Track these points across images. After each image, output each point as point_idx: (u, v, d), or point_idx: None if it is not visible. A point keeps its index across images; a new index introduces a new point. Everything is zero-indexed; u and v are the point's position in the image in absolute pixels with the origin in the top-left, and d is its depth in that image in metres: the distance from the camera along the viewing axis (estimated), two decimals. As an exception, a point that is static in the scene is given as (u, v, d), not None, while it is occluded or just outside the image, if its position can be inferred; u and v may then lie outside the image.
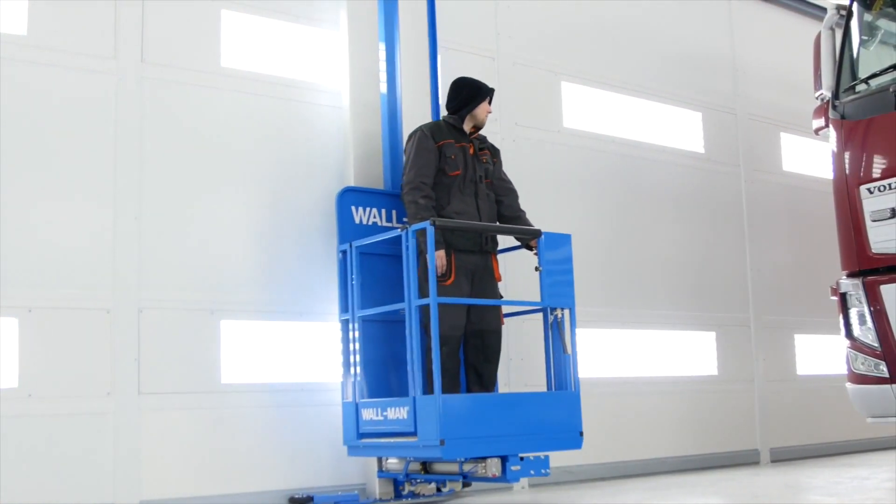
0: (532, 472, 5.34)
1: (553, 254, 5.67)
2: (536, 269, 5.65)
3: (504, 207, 6.05)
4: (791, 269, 9.34)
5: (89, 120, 5.60)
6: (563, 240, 5.76)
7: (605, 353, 7.66)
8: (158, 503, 5.48)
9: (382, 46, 6.54)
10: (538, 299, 5.67)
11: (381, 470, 5.99)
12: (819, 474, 7.41)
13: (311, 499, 5.80)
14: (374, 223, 6.14)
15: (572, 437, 5.54)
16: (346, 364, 5.82)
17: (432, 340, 5.23)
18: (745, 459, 8.50)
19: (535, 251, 5.75)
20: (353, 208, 6.09)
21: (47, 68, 5.51)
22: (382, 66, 6.52)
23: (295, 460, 5.98)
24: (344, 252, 5.88)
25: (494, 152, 6.16)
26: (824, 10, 6.82)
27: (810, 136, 8.86)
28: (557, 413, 5.53)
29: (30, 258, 5.32)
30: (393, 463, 5.86)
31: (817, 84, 6.63)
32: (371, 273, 5.90)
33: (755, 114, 9.38)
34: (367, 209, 6.14)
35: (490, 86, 6.05)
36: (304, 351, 6.19)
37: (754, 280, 8.98)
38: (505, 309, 6.03)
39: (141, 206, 5.67)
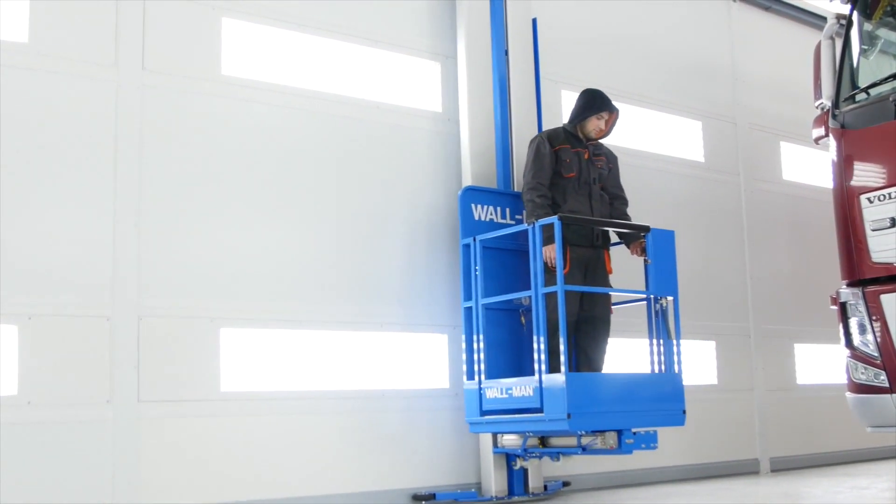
0: (643, 445, 5.87)
1: (658, 248, 6.18)
2: (645, 261, 6.18)
3: (613, 210, 6.56)
4: (791, 278, 9.34)
5: (90, 127, 5.60)
6: (668, 236, 6.28)
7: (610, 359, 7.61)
8: (157, 511, 5.48)
9: (490, 73, 7.05)
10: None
11: (496, 446, 6.45)
12: (819, 484, 7.40)
13: (433, 496, 6.29)
14: (491, 220, 6.64)
15: (677, 415, 6.07)
16: (469, 349, 6.29)
17: (560, 324, 5.64)
18: (744, 469, 8.49)
19: (632, 250, 6.34)
20: (472, 206, 6.57)
21: (48, 75, 5.51)
22: (490, 88, 7.04)
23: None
24: (467, 245, 6.38)
25: (611, 158, 6.66)
26: (824, 19, 6.83)
27: (810, 146, 8.87)
28: (664, 393, 6.08)
29: (30, 265, 5.31)
30: (510, 439, 6.31)
31: (817, 93, 6.63)
32: (487, 264, 6.36)
33: (755, 123, 9.39)
34: (485, 206, 6.63)
35: (611, 105, 6.45)
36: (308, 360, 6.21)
37: (754, 289, 8.97)
38: (613, 298, 6.43)
39: (140, 214, 5.67)
